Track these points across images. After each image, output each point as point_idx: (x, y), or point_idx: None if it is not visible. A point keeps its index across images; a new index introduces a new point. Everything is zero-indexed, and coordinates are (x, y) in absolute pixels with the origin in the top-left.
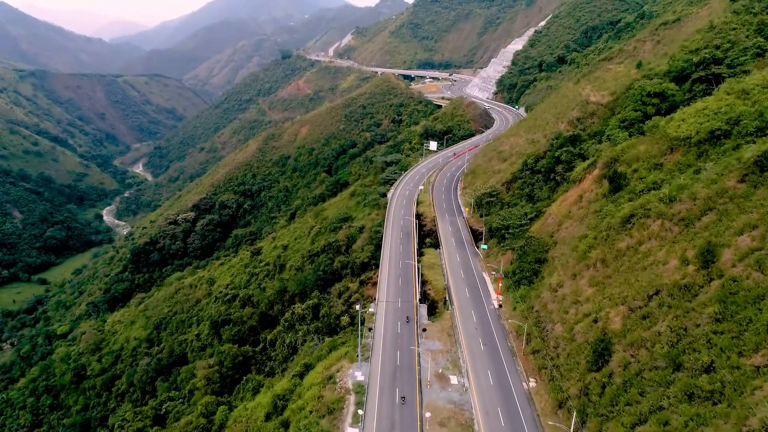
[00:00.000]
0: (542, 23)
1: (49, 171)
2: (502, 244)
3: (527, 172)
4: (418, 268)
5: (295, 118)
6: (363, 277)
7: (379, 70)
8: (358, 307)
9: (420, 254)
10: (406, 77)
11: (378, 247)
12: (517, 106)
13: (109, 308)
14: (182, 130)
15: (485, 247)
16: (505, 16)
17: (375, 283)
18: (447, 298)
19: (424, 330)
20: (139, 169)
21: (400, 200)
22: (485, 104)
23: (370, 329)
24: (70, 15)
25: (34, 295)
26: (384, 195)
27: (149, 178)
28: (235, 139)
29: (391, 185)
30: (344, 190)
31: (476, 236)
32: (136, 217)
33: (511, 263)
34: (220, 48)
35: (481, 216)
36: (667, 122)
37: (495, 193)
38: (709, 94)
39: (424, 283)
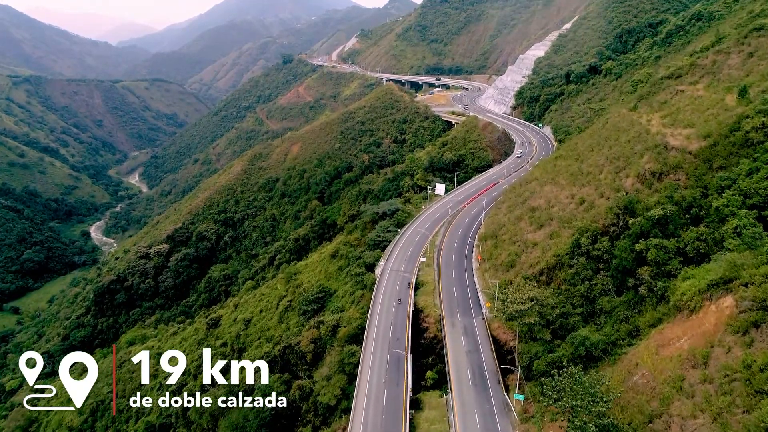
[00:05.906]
0: (567, 26)
1: (35, 184)
2: (545, 397)
3: (581, 258)
4: None
5: (293, 128)
6: None
7: (384, 76)
8: None
9: (416, 405)
10: (413, 85)
11: (353, 378)
12: (540, 125)
13: None
14: (179, 139)
15: (520, 397)
16: (520, 18)
17: None
18: None
19: None
20: (135, 179)
21: (392, 282)
22: (502, 121)
23: None
24: (77, 18)
25: (2, 329)
26: (371, 268)
27: (144, 189)
28: (230, 150)
29: (383, 250)
30: (326, 246)
31: (502, 353)
32: (125, 234)
33: None
34: (226, 50)
35: (510, 319)
36: None
37: (534, 309)
38: None
39: None
